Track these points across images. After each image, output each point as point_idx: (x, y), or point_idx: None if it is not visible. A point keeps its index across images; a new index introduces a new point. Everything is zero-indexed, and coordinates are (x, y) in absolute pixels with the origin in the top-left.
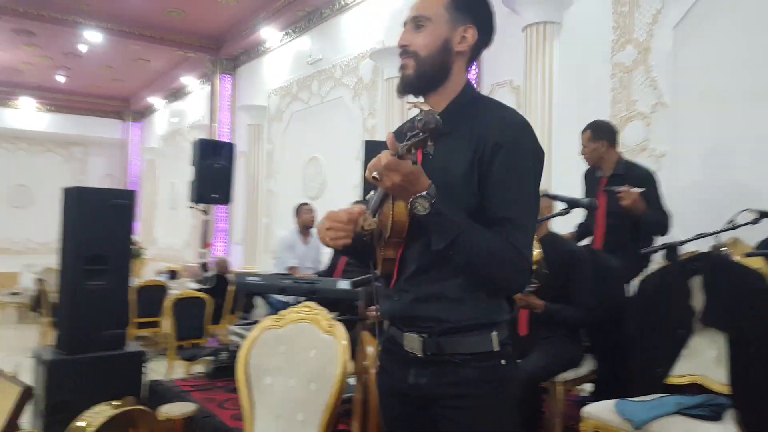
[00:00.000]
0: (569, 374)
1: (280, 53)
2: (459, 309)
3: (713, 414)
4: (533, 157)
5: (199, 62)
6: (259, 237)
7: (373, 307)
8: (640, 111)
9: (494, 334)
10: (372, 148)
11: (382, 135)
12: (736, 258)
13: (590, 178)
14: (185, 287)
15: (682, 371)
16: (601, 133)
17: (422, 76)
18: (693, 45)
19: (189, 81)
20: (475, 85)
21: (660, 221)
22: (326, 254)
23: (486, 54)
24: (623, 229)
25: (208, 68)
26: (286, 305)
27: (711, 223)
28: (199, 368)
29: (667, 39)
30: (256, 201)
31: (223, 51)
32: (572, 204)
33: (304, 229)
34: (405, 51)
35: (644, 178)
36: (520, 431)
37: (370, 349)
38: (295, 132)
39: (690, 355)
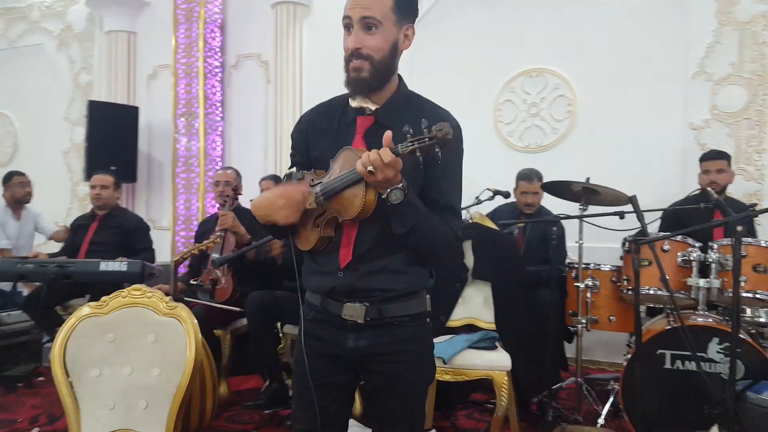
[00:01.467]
0: None
1: None
2: (402, 279)
3: (491, 345)
4: (462, 154)
5: None
6: None
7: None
8: None
9: (428, 297)
10: (98, 110)
11: (102, 94)
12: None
13: None
14: None
15: (458, 316)
16: None
17: (377, 78)
18: (426, 47)
19: None
20: (220, 54)
21: None
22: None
23: (233, 24)
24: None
25: None
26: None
27: None
28: None
29: None
30: None
31: None
32: None
33: (16, 203)
34: (358, 54)
35: None
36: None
37: None
38: None
39: (463, 303)
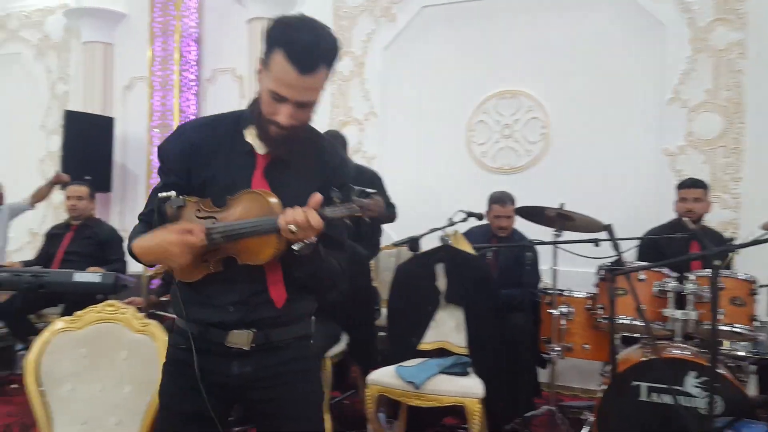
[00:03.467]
0: (334, 349)
1: None
2: (291, 307)
3: (463, 371)
4: None
5: None
6: None
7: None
8: (355, 117)
9: (313, 319)
10: (75, 120)
11: (79, 104)
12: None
13: None
14: None
15: (430, 339)
16: (334, 140)
17: (297, 138)
18: (398, 65)
19: None
20: (196, 68)
21: (389, 214)
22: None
23: (208, 39)
24: (362, 220)
25: None
26: None
27: (415, 219)
28: None
29: (378, 57)
30: None
31: None
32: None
33: None
34: (283, 126)
35: (373, 179)
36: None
37: None
38: None
39: (435, 326)
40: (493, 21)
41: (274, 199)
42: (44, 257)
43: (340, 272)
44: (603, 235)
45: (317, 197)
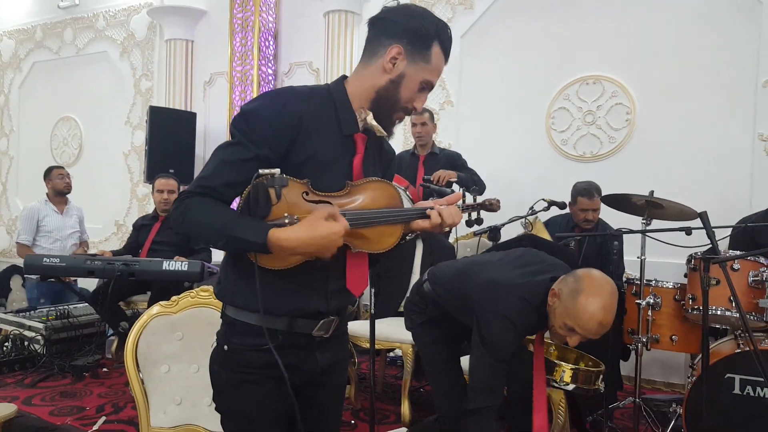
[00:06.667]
0: None
1: None
2: None
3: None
4: None
5: None
6: None
7: None
8: (431, 107)
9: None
10: (159, 115)
11: (162, 99)
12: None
13: (406, 157)
14: None
15: None
16: (433, 118)
17: None
18: (475, 54)
19: None
20: (273, 62)
21: (474, 178)
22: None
23: (286, 33)
24: None
25: None
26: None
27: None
28: None
29: (455, 46)
30: None
31: None
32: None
33: (57, 196)
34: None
35: (454, 156)
36: None
37: None
38: (40, 85)
39: None
40: (575, 6)
41: (396, 190)
42: (133, 247)
43: None
44: (695, 223)
45: (458, 195)
